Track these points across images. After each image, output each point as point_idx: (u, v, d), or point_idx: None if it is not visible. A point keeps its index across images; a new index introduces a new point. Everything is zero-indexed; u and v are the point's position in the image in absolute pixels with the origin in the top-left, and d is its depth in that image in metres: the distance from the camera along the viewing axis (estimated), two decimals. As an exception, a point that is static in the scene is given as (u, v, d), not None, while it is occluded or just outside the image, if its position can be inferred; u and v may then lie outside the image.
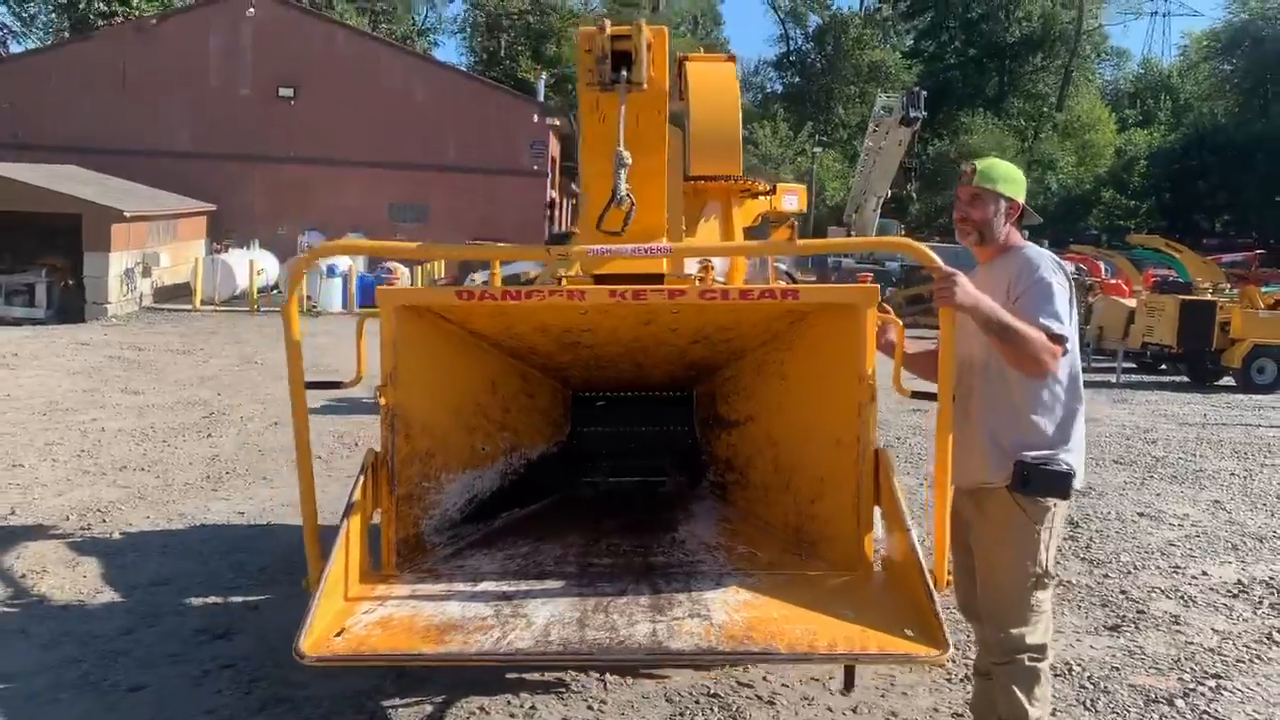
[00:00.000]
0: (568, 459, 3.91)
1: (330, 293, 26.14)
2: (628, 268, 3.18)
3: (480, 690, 3.94)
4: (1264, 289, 19.41)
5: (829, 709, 3.86)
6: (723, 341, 3.38)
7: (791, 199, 5.69)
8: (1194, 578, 5.64)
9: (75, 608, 4.84)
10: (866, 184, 31.56)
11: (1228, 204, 47.63)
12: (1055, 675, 4.21)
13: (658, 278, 3.26)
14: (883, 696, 3.99)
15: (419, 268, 26.83)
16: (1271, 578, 5.66)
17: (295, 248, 29.58)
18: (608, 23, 2.66)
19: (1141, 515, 7.07)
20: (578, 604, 2.85)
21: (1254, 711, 3.93)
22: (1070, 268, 18.17)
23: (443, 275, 27.96)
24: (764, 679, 4.08)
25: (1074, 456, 3.11)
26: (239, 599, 5.01)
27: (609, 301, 2.91)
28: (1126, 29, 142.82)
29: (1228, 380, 16.33)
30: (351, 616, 2.67)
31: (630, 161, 2.66)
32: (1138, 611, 5.03)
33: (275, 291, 27.83)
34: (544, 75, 42.31)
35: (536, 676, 4.06)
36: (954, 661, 4.30)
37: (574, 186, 42.67)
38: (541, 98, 37.14)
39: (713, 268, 3.42)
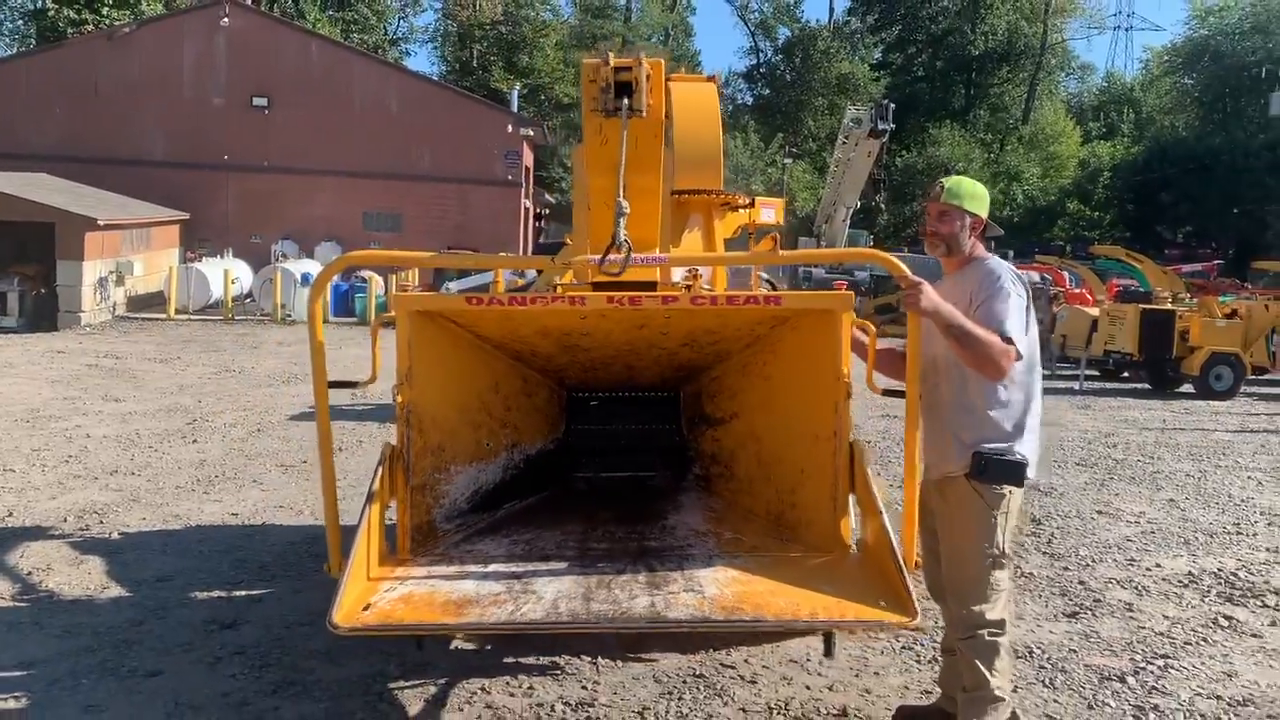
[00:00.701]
0: (563, 455, 4.17)
1: (304, 302, 26.18)
2: (624, 275, 3.45)
3: (480, 673, 4.19)
4: (1221, 299, 19.97)
5: (807, 687, 4.13)
6: (709, 344, 3.65)
7: (769, 212, 5.99)
8: (1148, 569, 5.97)
9: (84, 602, 5.03)
10: (836, 195, 32.02)
11: (1189, 215, 48.60)
12: (1017, 657, 4.51)
13: (651, 285, 3.53)
14: (857, 676, 4.27)
15: (392, 276, 26.98)
16: (1220, 569, 6.01)
17: (269, 256, 29.64)
18: (611, 55, 2.94)
19: (1100, 513, 7.41)
20: (581, 581, 3.11)
21: (1197, 687, 4.25)
22: (1035, 277, 18.67)
23: (416, 284, 28.11)
24: (745, 661, 4.36)
25: (1027, 448, 3.38)
26: (242, 593, 5.22)
27: (607, 306, 3.18)
28: (1090, 43, 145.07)
29: (1187, 387, 16.78)
30: (375, 594, 2.91)
31: (629, 210, 2.94)
32: (1094, 600, 5.35)
33: (249, 300, 27.87)
34: (518, 85, 42.56)
35: (533, 660, 4.31)
36: (922, 644, 4.60)
37: (547, 196, 42.91)
38: (515, 108, 37.38)
39: (700, 275, 3.70)
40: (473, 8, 55.85)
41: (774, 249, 3.40)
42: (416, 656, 4.33)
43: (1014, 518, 3.40)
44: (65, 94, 29.92)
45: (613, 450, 4.27)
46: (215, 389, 13.55)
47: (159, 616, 4.82)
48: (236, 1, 32.29)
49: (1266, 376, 18.59)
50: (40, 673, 4.13)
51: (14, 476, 7.81)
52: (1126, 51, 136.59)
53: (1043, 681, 4.27)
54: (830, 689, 4.12)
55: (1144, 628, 4.96)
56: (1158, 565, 6.06)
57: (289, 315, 25.35)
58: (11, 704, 3.86)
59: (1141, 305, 17.55)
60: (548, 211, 43.84)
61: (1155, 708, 4.03)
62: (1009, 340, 3.22)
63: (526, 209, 34.80)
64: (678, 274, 4.19)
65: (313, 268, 27.52)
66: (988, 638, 3.30)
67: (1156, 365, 17.02)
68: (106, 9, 38.26)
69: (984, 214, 3.52)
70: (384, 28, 59.23)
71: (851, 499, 3.35)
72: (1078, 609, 5.19)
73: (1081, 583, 5.64)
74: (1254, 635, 4.91)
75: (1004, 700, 3.33)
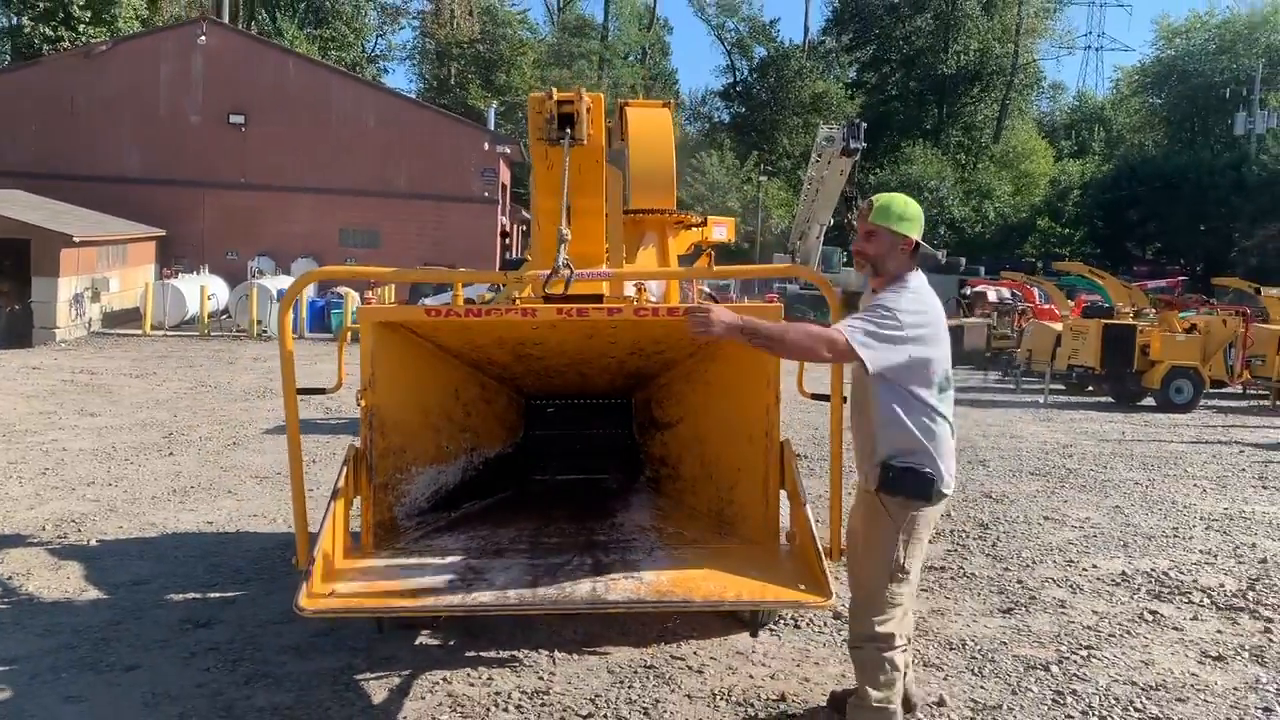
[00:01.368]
0: (521, 458, 4.42)
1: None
2: (573, 289, 3.71)
3: (442, 665, 4.42)
4: (1182, 314, 20.42)
5: (750, 676, 4.39)
6: (656, 353, 3.91)
7: (721, 230, 6.27)
8: (1084, 570, 6.27)
9: (64, 604, 5.23)
10: (810, 212, 32.44)
11: (1158, 232, 49.38)
12: (950, 649, 4.80)
13: (598, 298, 3.77)
14: (798, 666, 4.53)
15: (369, 292, 27.14)
16: (1153, 569, 6.31)
17: (246, 273, 29.78)
18: (555, 90, 3.21)
19: (1047, 519, 7.72)
20: (530, 569, 3.36)
21: (1116, 674, 4.53)
22: (1005, 294, 19.07)
23: (393, 299, 28.30)
24: (694, 653, 4.61)
25: (937, 464, 3.44)
26: (216, 595, 5.44)
27: (556, 318, 3.43)
28: (1060, 63, 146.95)
29: (1149, 400, 17.15)
30: (339, 581, 3.15)
31: (569, 238, 3.21)
32: (1030, 597, 5.64)
33: (225, 316, 27.98)
34: (495, 103, 42.87)
35: (493, 654, 4.55)
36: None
37: (525, 213, 43.19)
38: (492, 125, 37.72)
39: (645, 289, 3.95)
40: (450, 26, 56.25)
41: (709, 265, 3.67)
42: (382, 650, 4.57)
43: (924, 533, 3.48)
44: (41, 110, 30.03)
45: (569, 454, 4.53)
46: (191, 403, 13.69)
47: (136, 617, 5.03)
48: (214, 20, 32.54)
49: (1224, 390, 19.06)
50: (22, 668, 4.34)
51: (-8, 488, 7.98)
52: (1097, 71, 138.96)
53: (971, 670, 4.54)
54: (772, 678, 4.38)
55: (1073, 622, 5.24)
56: (1094, 566, 6.36)
57: (265, 331, 25.49)
58: (-4, 695, 4.07)
59: (1103, 320, 17.93)
60: (525, 229, 44.10)
61: (1074, 692, 4.31)
62: (838, 335, 3.24)
63: (503, 225, 35.09)
64: (630, 287, 4.46)
65: (289, 284, 27.71)
66: (875, 651, 3.40)
67: (1118, 379, 17.38)
68: (83, 26, 38.34)
69: (914, 235, 3.52)
70: (362, 45, 59.52)
71: (783, 494, 3.62)
72: (1013, 605, 5.48)
73: (1020, 582, 5.93)
74: (1175, 629, 5.20)
75: (885, 711, 3.42)
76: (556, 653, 4.58)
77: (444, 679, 4.27)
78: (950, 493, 3.55)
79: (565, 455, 4.53)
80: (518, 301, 4.00)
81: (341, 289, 28.18)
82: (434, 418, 3.89)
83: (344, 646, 4.64)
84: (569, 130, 3.17)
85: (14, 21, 42.29)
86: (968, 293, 29.12)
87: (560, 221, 3.18)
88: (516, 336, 3.68)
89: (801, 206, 33.91)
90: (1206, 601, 5.67)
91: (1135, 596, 5.73)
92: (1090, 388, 18.59)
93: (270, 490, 8.25)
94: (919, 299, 3.48)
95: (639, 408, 4.47)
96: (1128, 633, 5.10)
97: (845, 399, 3.59)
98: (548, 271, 3.35)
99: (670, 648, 4.66)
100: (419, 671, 4.35)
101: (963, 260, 36.55)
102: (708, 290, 5.93)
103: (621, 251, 5.30)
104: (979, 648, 4.81)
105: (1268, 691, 4.39)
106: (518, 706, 4.02)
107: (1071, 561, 6.45)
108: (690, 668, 4.46)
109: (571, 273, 3.22)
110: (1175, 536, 7.26)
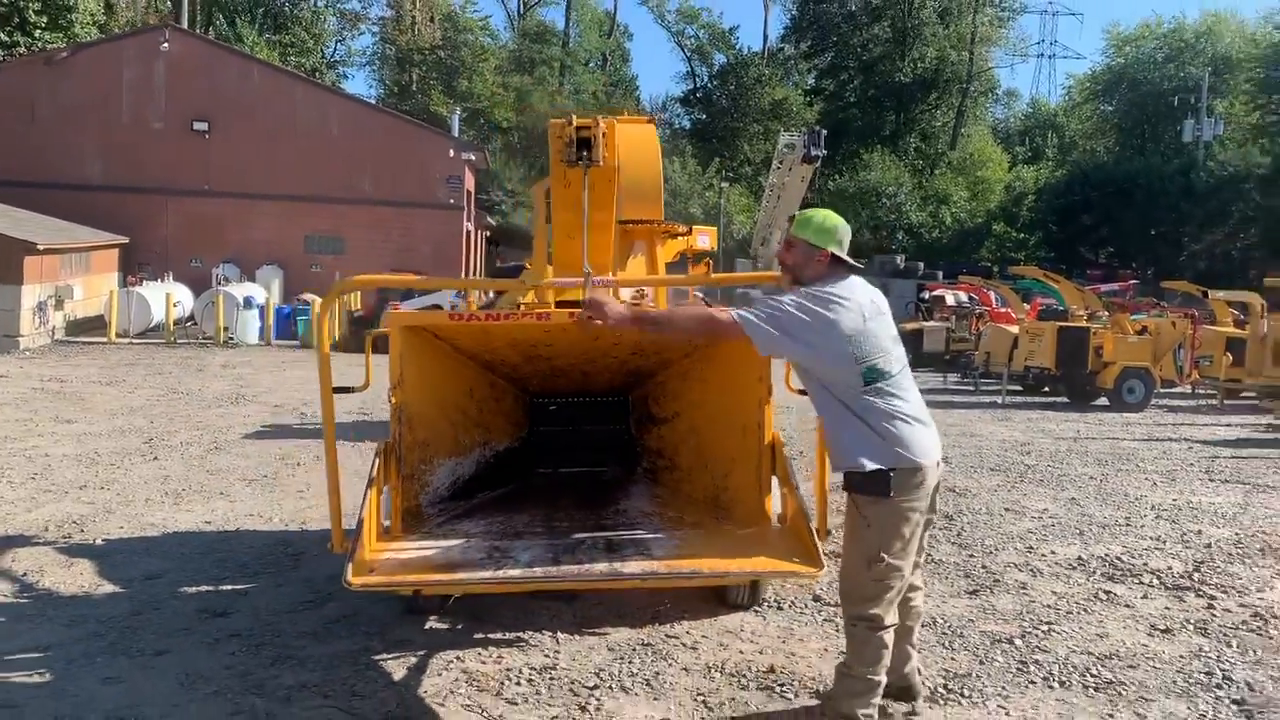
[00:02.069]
0: (527, 452, 4.75)
1: (247, 325, 26.36)
2: (583, 295, 4.04)
3: (454, 645, 4.73)
4: (1134, 316, 21.10)
5: (740, 651, 4.75)
6: (655, 354, 4.25)
7: (704, 239, 6.62)
8: (1043, 556, 6.70)
9: (82, 598, 5.48)
10: (771, 218, 32.96)
11: (1110, 237, 50.48)
12: (922, 627, 5.17)
13: (603, 303, 4.09)
14: (784, 642, 4.89)
15: (337, 300, 27.21)
16: (1107, 554, 6.75)
17: (210, 280, 29.74)
18: (574, 116, 3.55)
19: (1007, 510, 8.15)
20: (550, 549, 3.69)
21: (1074, 646, 4.94)
22: (963, 297, 19.63)
23: (359, 307, 28.42)
24: (687, 632, 4.96)
25: (889, 453, 3.58)
26: (228, 587, 5.70)
27: (568, 321, 3.77)
28: (1014, 71, 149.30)
29: (1103, 400, 17.74)
30: (377, 561, 3.46)
31: (591, 270, 3.53)
32: (994, 580, 6.05)
33: (190, 323, 27.94)
34: (458, 110, 43.04)
35: (500, 635, 4.87)
36: (840, 618, 5.25)
37: (489, 219, 43.38)
38: (456, 132, 37.92)
39: (646, 294, 4.30)
40: (411, 32, 56.29)
41: (707, 273, 4.03)
42: (395, 634, 4.88)
43: (896, 521, 3.62)
44: (1, 118, 29.83)
45: (570, 448, 4.87)
46: (165, 410, 13.81)
47: (154, 608, 5.29)
48: (177, 26, 32.48)
49: (1174, 390, 19.74)
50: (56, 654, 4.59)
51: (-15, 493, 8.15)
52: (1050, 79, 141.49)
53: (943, 645, 4.93)
54: (760, 652, 4.74)
55: (1034, 601, 5.66)
56: (1053, 552, 6.80)
57: (231, 338, 25.53)
58: (37, 678, 4.33)
59: (1059, 323, 18.52)
60: (489, 234, 44.29)
61: (1036, 662, 4.71)
62: (735, 318, 3.43)
63: (469, 232, 35.28)
64: (626, 293, 4.80)
65: (255, 291, 27.72)
66: (865, 630, 3.69)
67: (1073, 380, 17.95)
68: (39, 31, 38.03)
69: (828, 247, 3.68)
70: (321, 51, 59.37)
71: (774, 481, 3.97)
72: (978, 588, 5.88)
73: (984, 567, 6.34)
74: (1127, 606, 5.63)
75: (869, 681, 3.71)
76: (559, 633, 4.91)
77: (457, 658, 4.59)
78: (922, 469, 3.66)
79: (566, 449, 4.86)
80: (522, 307, 4.33)
81: (308, 296, 28.27)
82: (452, 414, 4.20)
83: (359, 631, 4.94)
84: (586, 152, 3.51)
85: (-32, 28, 41.82)
86: (926, 297, 29.77)
87: (583, 231, 3.52)
88: (529, 339, 4.01)
89: (763, 213, 34.46)
90: (1156, 582, 6.11)
91: (1090, 578, 6.16)
92: (1046, 388, 19.16)
93: (260, 492, 8.49)
94: (817, 299, 3.59)
95: (636, 404, 4.81)
96: (1084, 610, 5.52)
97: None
98: (564, 279, 3.69)
99: (665, 627, 5.01)
100: (433, 651, 4.66)
101: (920, 265, 37.30)
102: (702, 295, 6.28)
103: (618, 261, 5.65)
104: (949, 625, 5.20)
105: (1210, 659, 4.82)
106: (529, 680, 4.34)
107: (1031, 548, 6.88)
108: (684, 644, 4.80)
109: (591, 278, 3.55)
110: (1127, 525, 7.72)
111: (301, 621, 5.09)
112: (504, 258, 40.82)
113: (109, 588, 5.66)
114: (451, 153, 32.87)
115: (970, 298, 28.38)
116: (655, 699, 4.20)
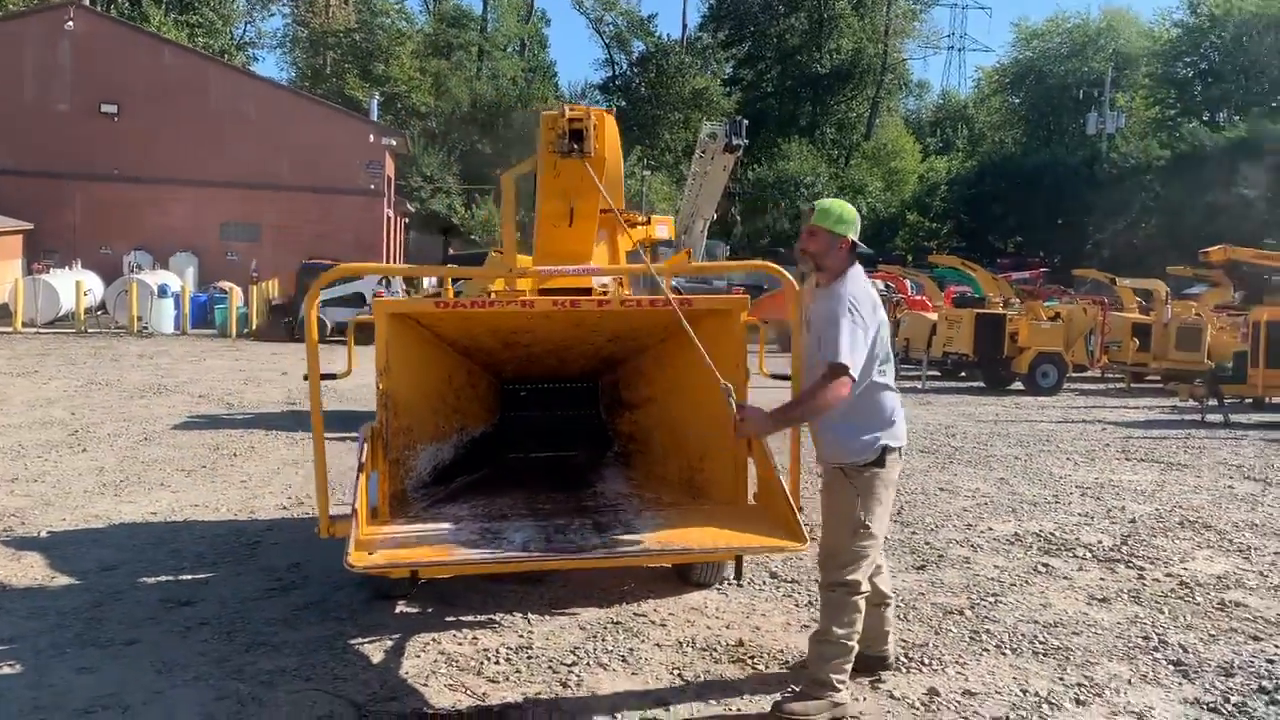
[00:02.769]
0: (498, 438, 4.82)
1: (162, 314, 25.75)
2: (562, 283, 4.14)
3: (427, 629, 4.80)
4: (1046, 303, 21.84)
5: (708, 626, 4.90)
6: (630, 340, 4.36)
7: (663, 228, 6.76)
8: (981, 532, 7.00)
9: (38, 590, 5.38)
10: (694, 207, 33.14)
11: (1018, 226, 51.97)
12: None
13: (587, 290, 4.20)
14: (747, 617, 5.07)
15: (252, 288, 26.75)
16: (1040, 530, 7.08)
17: (121, 268, 28.94)
18: (567, 108, 3.63)
19: (942, 490, 8.47)
20: (541, 530, 3.78)
21: (1020, 615, 5.21)
22: (880, 285, 20.09)
23: (277, 294, 27.94)
24: (654, 610, 5.10)
25: (885, 435, 3.91)
26: (187, 577, 5.66)
27: (552, 309, 3.86)
28: (926, 63, 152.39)
29: (1018, 384, 18.33)
30: (374, 544, 3.51)
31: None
32: (939, 556, 6.32)
33: (101, 312, 27.17)
34: (377, 95, 42.41)
35: (471, 617, 4.95)
36: (798, 593, 5.45)
37: (408, 205, 42.89)
38: (375, 117, 37.39)
39: (623, 283, 4.40)
40: (325, 14, 55.18)
41: (688, 260, 4.14)
42: (366, 619, 4.93)
43: (882, 492, 3.91)
44: (-106, 99, 28.62)
45: (540, 433, 4.96)
46: (86, 401, 13.46)
47: (115, 599, 5.24)
48: (83, 5, 31.41)
49: (1085, 374, 20.52)
50: (22, 646, 4.53)
51: (-88, 487, 7.91)
52: (960, 71, 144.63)
53: (898, 617, 5.13)
54: (727, 627, 4.91)
55: (979, 575, 5.93)
56: (990, 529, 7.10)
57: (146, 327, 24.91)
58: (8, 669, 4.28)
59: (976, 310, 19.08)
60: (407, 221, 43.81)
61: (988, 631, 4.95)
62: (837, 368, 3.70)
63: (389, 218, 34.88)
64: (598, 281, 4.91)
65: (169, 279, 27.05)
66: (844, 595, 3.89)
67: (990, 365, 18.51)
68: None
69: (850, 235, 3.95)
70: (230, 32, 57.90)
71: (749, 462, 4.12)
72: (925, 563, 6.14)
73: (928, 543, 6.60)
74: (1065, 578, 5.94)
75: (845, 645, 3.90)
76: (530, 614, 5.01)
77: (433, 640, 4.66)
78: (899, 451, 4.00)
79: (536, 434, 4.95)
80: (496, 295, 4.40)
81: (225, 284, 27.69)
82: (433, 400, 4.26)
83: (330, 617, 4.97)
84: (577, 145, 3.61)
85: None
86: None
87: (568, 219, 3.62)
88: (510, 326, 4.09)
89: (685, 202, 34.58)
90: (1089, 555, 6.44)
91: (1028, 553, 6.47)
92: (964, 373, 19.74)
93: (201, 482, 8.38)
94: (863, 294, 3.94)
95: (606, 390, 4.91)
96: (1025, 582, 5.81)
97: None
98: (547, 267, 3.78)
99: (633, 606, 5.14)
100: (408, 635, 4.72)
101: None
102: (675, 283, 6.39)
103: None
104: (900, 598, 5.41)
105: (1145, 624, 5.12)
106: (507, 659, 4.44)
107: (970, 525, 7.18)
108: (653, 622, 4.94)
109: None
110: (1056, 502, 8.09)
111: (269, 609, 5.10)
112: (455, 247, 40.49)
113: (64, 580, 5.57)
114: (372, 138, 32.48)
115: (887, 285, 29.03)
116: (633, 674, 4.32)
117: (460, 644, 4.63)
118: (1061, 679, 4.38)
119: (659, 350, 4.43)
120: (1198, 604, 5.49)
